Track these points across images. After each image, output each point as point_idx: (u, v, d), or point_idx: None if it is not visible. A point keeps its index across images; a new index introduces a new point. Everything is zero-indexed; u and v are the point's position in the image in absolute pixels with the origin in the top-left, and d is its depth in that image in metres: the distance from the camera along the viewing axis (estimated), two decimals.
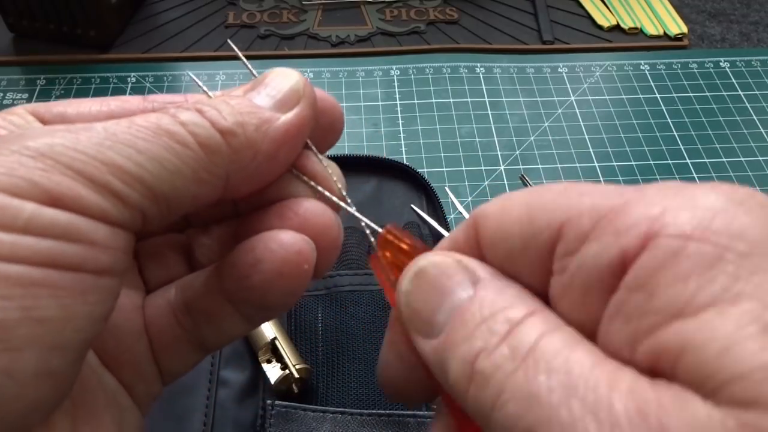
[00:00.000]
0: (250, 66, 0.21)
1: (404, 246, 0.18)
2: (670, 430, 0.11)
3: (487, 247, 0.16)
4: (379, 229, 0.19)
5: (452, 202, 0.47)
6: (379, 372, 0.19)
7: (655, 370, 0.12)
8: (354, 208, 0.19)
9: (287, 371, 0.34)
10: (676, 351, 0.11)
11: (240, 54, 0.22)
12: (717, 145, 0.52)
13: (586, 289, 0.14)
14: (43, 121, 0.18)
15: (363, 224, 0.19)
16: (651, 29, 0.62)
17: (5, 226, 0.13)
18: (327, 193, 0.19)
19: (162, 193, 0.15)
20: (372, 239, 0.19)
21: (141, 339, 0.20)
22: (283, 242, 0.18)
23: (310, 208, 0.19)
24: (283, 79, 0.19)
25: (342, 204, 0.19)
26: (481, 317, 0.14)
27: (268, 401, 0.33)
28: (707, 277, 0.11)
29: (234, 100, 0.17)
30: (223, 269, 0.19)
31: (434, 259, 0.16)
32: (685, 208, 0.12)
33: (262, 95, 0.18)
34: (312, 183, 0.19)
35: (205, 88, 0.20)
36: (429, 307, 0.16)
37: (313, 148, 0.20)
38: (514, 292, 0.15)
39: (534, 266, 0.15)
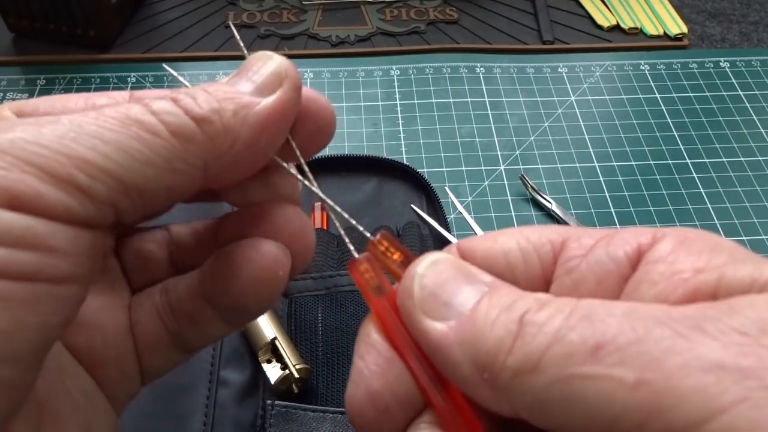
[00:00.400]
0: (243, 47, 0.21)
1: (396, 256, 0.18)
2: (738, 309, 0.12)
3: (479, 266, 0.17)
4: (360, 229, 0.19)
5: (452, 202, 0.47)
6: (358, 389, 0.16)
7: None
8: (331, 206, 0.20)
9: (287, 371, 0.34)
10: (713, 282, 0.14)
11: (235, 30, 0.22)
12: (717, 145, 0.52)
13: (600, 279, 0.15)
14: None
15: (339, 226, 0.20)
16: (651, 29, 0.62)
17: None
18: (316, 191, 0.19)
19: (133, 184, 0.15)
20: (351, 246, 0.19)
21: (126, 338, 0.20)
22: (261, 250, 0.18)
23: (287, 214, 0.19)
24: (264, 62, 0.18)
25: (317, 192, 0.19)
26: (511, 296, 0.15)
27: (268, 401, 0.33)
28: (713, 254, 0.14)
29: (213, 87, 0.17)
30: (204, 275, 0.19)
31: (448, 255, 0.17)
32: (671, 230, 0.15)
33: (244, 80, 0.18)
34: (300, 178, 0.19)
35: (183, 80, 0.20)
36: (448, 290, 0.16)
37: (297, 151, 0.19)
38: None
39: (534, 276, 0.16)
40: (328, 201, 0.19)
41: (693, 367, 0.12)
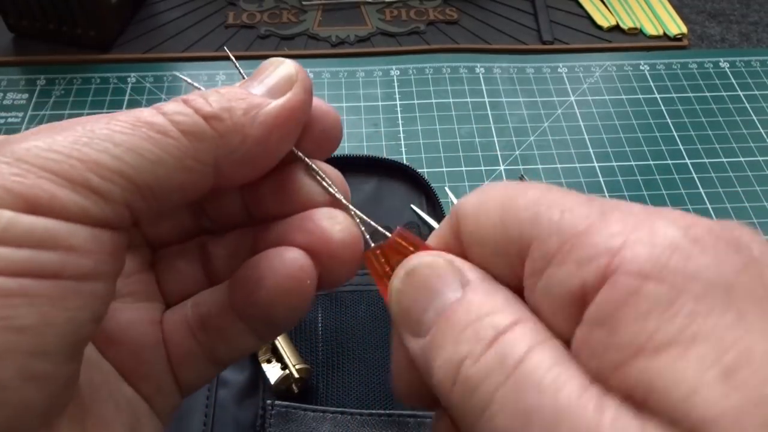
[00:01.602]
0: (242, 71, 0.21)
1: (412, 250, 0.18)
2: None
3: (467, 247, 0.17)
4: (379, 227, 0.19)
5: (452, 202, 0.47)
6: (392, 376, 0.18)
7: (630, 400, 0.12)
8: (355, 211, 0.20)
9: (287, 371, 0.34)
10: (644, 390, 0.12)
11: (233, 58, 0.22)
12: (717, 145, 0.52)
13: (552, 312, 0.14)
14: None
15: (359, 222, 0.19)
16: (651, 29, 0.62)
17: None
18: (337, 194, 0.19)
19: (146, 184, 0.15)
20: (369, 239, 0.19)
21: (159, 353, 0.20)
22: (286, 259, 0.18)
23: (328, 223, 0.19)
24: (277, 67, 0.19)
25: (350, 206, 0.19)
26: (467, 320, 0.14)
27: (268, 401, 0.33)
28: (665, 318, 0.12)
29: (225, 89, 0.18)
30: (232, 285, 0.19)
31: (425, 259, 0.17)
32: (644, 243, 0.13)
33: (256, 83, 0.18)
34: (326, 184, 0.19)
35: (197, 85, 0.20)
36: (418, 306, 0.16)
37: (312, 164, 0.19)
38: (502, 298, 0.15)
39: (510, 272, 0.16)
40: (349, 205, 0.19)
41: None
